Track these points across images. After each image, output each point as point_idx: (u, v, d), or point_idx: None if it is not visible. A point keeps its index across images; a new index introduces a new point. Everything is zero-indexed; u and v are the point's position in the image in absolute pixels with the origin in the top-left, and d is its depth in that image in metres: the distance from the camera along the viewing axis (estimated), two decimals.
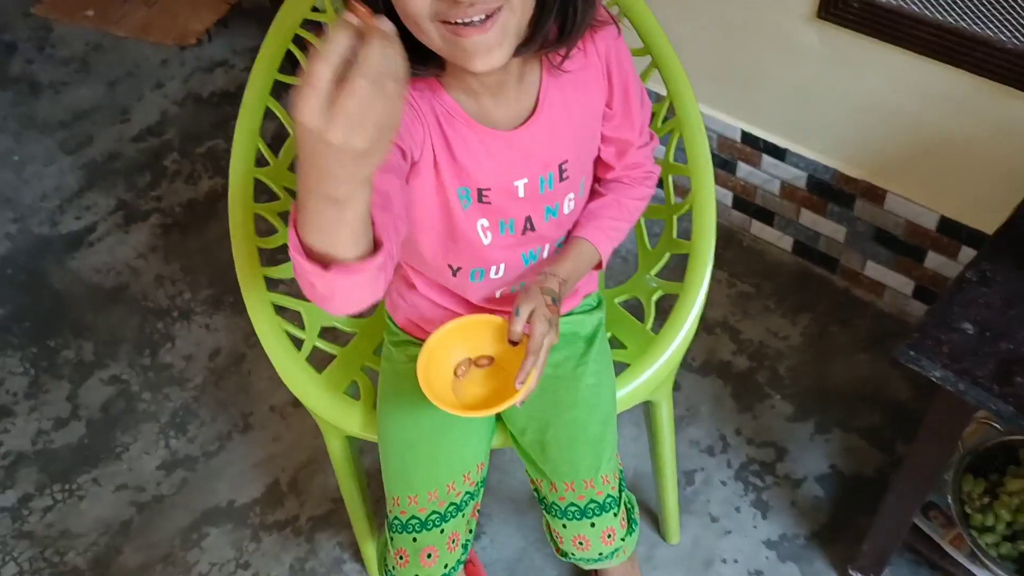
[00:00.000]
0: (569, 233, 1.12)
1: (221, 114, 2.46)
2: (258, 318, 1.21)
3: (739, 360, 1.80)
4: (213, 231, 2.16)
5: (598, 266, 1.13)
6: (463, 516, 1.12)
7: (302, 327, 1.27)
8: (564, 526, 1.11)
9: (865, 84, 1.58)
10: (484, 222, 1.03)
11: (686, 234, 1.26)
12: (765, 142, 1.80)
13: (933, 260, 1.70)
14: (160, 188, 2.28)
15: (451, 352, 1.02)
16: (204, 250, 2.12)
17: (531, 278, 1.06)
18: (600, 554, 1.12)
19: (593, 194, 1.14)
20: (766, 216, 1.93)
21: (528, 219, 1.05)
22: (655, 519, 1.60)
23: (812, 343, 1.81)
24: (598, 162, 1.13)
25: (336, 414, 1.21)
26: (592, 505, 1.10)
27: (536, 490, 1.15)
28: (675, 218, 1.29)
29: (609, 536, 1.10)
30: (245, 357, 1.91)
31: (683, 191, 1.26)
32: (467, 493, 1.12)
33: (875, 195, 1.71)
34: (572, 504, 1.10)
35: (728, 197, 1.97)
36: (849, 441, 1.67)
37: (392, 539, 1.11)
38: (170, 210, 2.22)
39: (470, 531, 1.14)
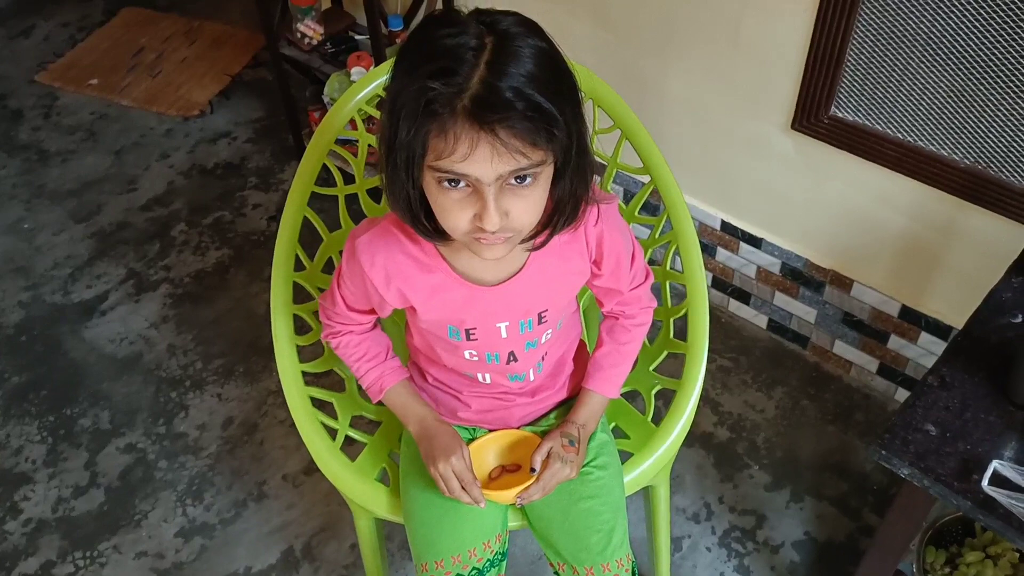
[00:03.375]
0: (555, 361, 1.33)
1: (226, 186, 2.58)
2: (298, 411, 1.33)
3: (720, 431, 1.96)
4: (222, 302, 2.27)
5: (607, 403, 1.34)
6: None
7: (334, 416, 1.40)
8: None
9: (834, 188, 1.76)
10: (472, 352, 1.23)
11: (680, 332, 1.41)
12: (743, 231, 1.97)
13: (895, 342, 1.88)
14: (169, 258, 2.39)
15: (484, 455, 1.25)
16: (215, 321, 2.23)
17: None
18: None
19: (599, 342, 1.33)
20: (743, 296, 2.10)
21: (511, 353, 1.24)
22: None
23: (786, 415, 1.98)
24: (596, 299, 1.33)
25: (367, 499, 1.33)
26: None
27: (556, 573, 1.29)
28: (672, 320, 1.44)
29: None
30: (257, 427, 2.02)
31: (678, 293, 1.42)
32: (488, 561, 1.25)
33: (843, 283, 1.88)
34: None
35: (708, 277, 2.14)
36: (821, 509, 1.83)
37: None
38: (179, 280, 2.33)
39: None
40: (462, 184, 0.95)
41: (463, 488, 1.18)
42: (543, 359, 1.28)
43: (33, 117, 2.84)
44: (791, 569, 1.75)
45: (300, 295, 1.44)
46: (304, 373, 1.39)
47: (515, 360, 1.24)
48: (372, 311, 1.25)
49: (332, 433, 1.37)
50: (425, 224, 1.05)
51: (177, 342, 2.19)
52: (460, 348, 1.22)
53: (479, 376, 1.27)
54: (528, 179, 0.95)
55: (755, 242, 1.97)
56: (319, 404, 1.37)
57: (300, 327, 1.42)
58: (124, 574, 1.79)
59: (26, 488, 1.93)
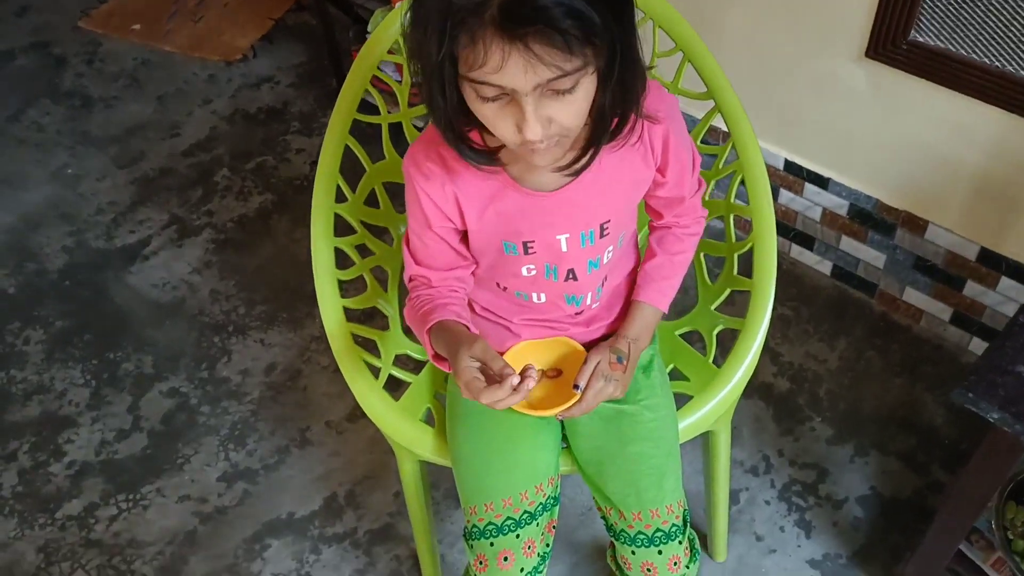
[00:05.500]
0: (610, 284, 1.24)
1: (269, 131, 2.52)
2: (339, 349, 1.27)
3: (780, 382, 1.86)
4: (266, 247, 2.23)
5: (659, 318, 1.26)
6: (538, 525, 1.18)
7: (377, 355, 1.34)
8: (633, 552, 1.17)
9: (910, 121, 1.63)
10: (531, 267, 1.15)
11: (744, 271, 1.32)
12: (808, 171, 1.86)
13: (972, 289, 1.76)
14: (211, 203, 2.35)
15: (526, 361, 1.14)
16: (257, 267, 2.18)
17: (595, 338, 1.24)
18: None
19: (648, 253, 1.25)
20: (806, 241, 1.99)
21: (571, 270, 1.16)
22: (702, 537, 1.66)
23: (850, 366, 1.87)
24: (649, 210, 1.25)
25: (412, 440, 1.28)
26: (659, 534, 1.16)
27: (604, 518, 1.22)
28: (736, 256, 1.35)
29: (675, 564, 1.17)
30: (301, 373, 1.97)
31: (742, 225, 1.33)
32: (540, 504, 1.19)
33: (916, 224, 1.76)
34: (640, 532, 1.16)
35: None
36: (886, 463, 1.73)
37: (472, 547, 1.18)
38: (222, 226, 2.29)
39: (547, 545, 1.20)
40: (500, 94, 0.89)
41: (496, 386, 1.00)
42: (603, 284, 1.21)
43: (76, 64, 2.81)
44: (855, 525, 1.66)
45: (342, 228, 1.38)
46: (346, 310, 1.33)
47: (575, 279, 1.17)
48: (445, 266, 1.17)
49: (375, 372, 1.31)
50: (470, 145, 0.99)
51: (220, 288, 2.15)
52: (517, 263, 1.14)
53: (534, 296, 1.19)
54: (568, 86, 0.89)
55: (821, 182, 1.85)
56: (362, 343, 1.31)
57: (342, 262, 1.36)
58: (167, 517, 1.77)
59: (70, 431, 1.92)
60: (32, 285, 2.20)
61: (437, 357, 1.13)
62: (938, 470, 1.71)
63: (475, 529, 1.17)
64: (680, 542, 1.17)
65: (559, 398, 1.15)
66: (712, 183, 1.38)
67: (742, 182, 1.33)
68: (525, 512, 1.16)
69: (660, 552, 1.16)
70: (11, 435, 1.90)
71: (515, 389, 0.98)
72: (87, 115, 2.63)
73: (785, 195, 1.94)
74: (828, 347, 1.91)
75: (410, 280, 1.20)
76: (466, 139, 1.00)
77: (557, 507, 1.22)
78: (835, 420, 1.80)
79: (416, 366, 1.39)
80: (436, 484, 1.76)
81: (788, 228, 2.00)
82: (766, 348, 1.90)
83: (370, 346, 1.35)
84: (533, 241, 1.12)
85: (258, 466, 1.83)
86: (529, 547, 1.16)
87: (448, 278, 1.18)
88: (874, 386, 1.84)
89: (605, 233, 1.14)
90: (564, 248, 1.13)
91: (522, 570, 1.16)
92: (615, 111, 0.97)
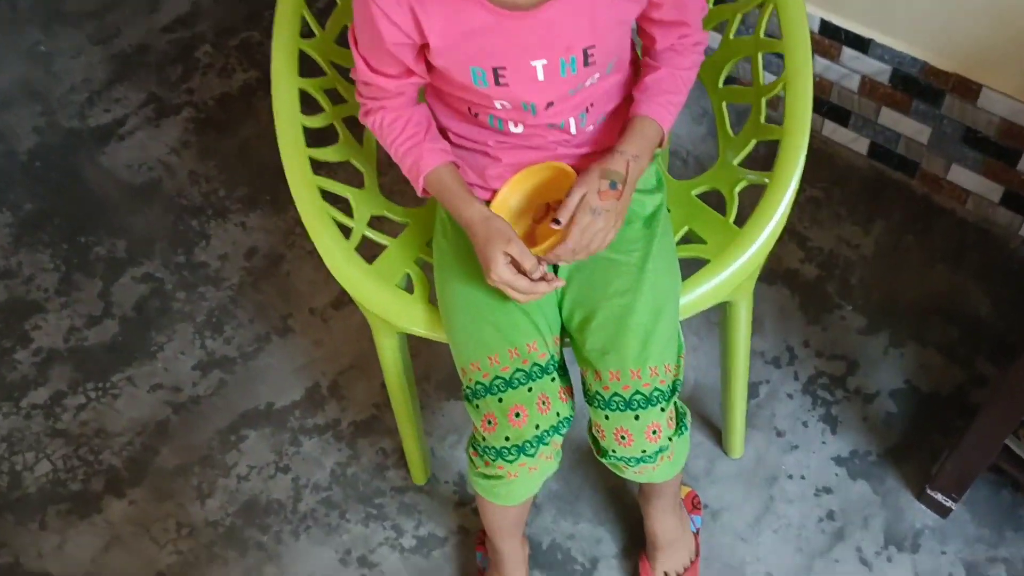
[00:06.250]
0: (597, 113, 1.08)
1: (254, 5, 2.32)
2: (303, 201, 1.11)
3: (807, 269, 1.69)
4: (249, 127, 2.05)
5: (660, 143, 1.07)
6: (552, 380, 1.04)
7: (350, 215, 1.18)
8: (606, 417, 1.02)
9: None
10: (504, 103, 1.00)
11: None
12: (847, 32, 1.65)
13: None
14: (192, 81, 2.16)
15: (522, 195, 1.07)
16: (239, 147, 2.01)
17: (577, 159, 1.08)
18: (643, 452, 1.03)
19: (647, 68, 1.08)
20: (841, 116, 1.79)
21: (549, 103, 1.01)
22: (716, 434, 1.51)
23: (887, 253, 1.69)
24: (645, 36, 1.07)
25: (386, 307, 1.12)
26: (638, 397, 1.01)
27: (583, 383, 1.07)
28: (764, 101, 1.16)
29: (654, 432, 1.02)
30: (284, 258, 1.82)
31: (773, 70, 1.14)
32: (551, 358, 1.04)
33: (967, 90, 1.56)
34: (616, 395, 1.02)
35: None
36: (925, 356, 1.57)
37: (477, 407, 1.04)
38: (203, 104, 2.11)
39: (567, 408, 1.05)
40: None
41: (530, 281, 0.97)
42: (587, 110, 1.04)
43: None
44: (886, 421, 1.50)
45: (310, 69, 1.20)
46: (313, 164, 1.16)
47: (552, 106, 1.01)
48: (401, 74, 1.02)
49: (347, 234, 1.15)
50: None
51: (199, 169, 1.99)
52: (488, 98, 0.99)
53: (511, 125, 1.03)
54: None
55: (861, 45, 1.64)
56: (333, 201, 1.15)
57: (310, 110, 1.19)
58: (138, 407, 1.64)
59: (37, 317, 1.78)
60: (0, 168, 2.04)
61: (426, 192, 1.04)
62: (983, 363, 1.54)
63: (479, 386, 1.03)
64: (663, 409, 1.02)
65: (551, 238, 0.99)
66: (737, 17, 1.19)
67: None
68: (535, 364, 1.02)
69: (637, 418, 1.01)
70: None
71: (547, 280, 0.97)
72: None
73: (820, 63, 1.73)
74: (862, 231, 1.72)
75: (364, 85, 1.05)
76: None
77: (567, 377, 1.07)
78: (868, 309, 1.62)
79: (395, 228, 1.23)
80: (426, 376, 1.62)
81: (821, 102, 1.80)
82: (793, 232, 1.73)
83: (344, 207, 1.19)
84: (504, 68, 0.95)
85: (236, 355, 1.69)
86: (544, 402, 1.01)
87: (405, 86, 1.03)
88: (913, 273, 1.66)
89: (590, 60, 0.97)
90: (541, 76, 0.96)
91: (537, 427, 1.01)
92: None
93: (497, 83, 0.97)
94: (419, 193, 1.06)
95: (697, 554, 1.36)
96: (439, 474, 1.51)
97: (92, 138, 2.08)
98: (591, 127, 1.07)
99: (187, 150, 2.03)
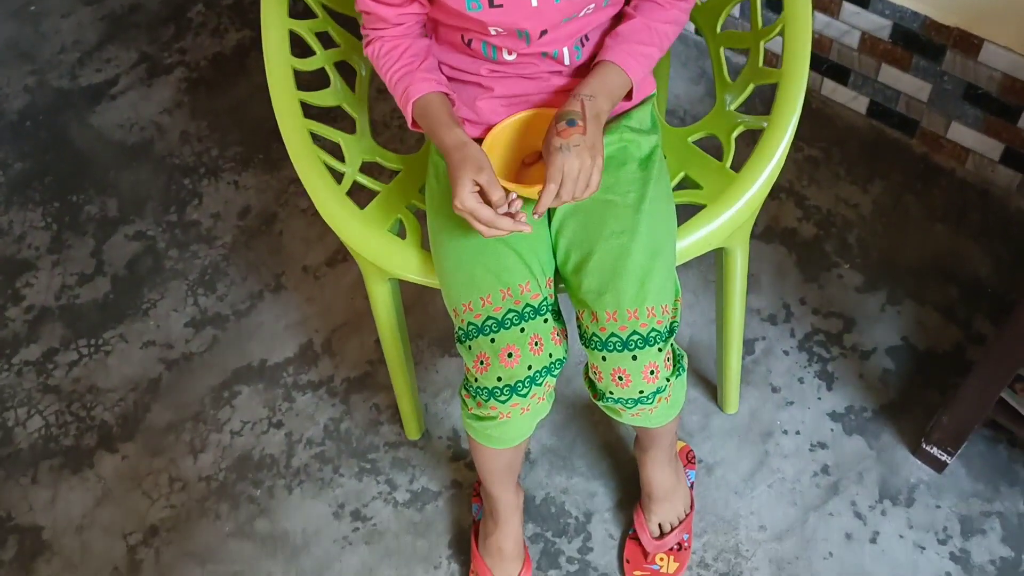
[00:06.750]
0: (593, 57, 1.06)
1: None
2: (293, 143, 1.10)
3: (805, 227, 1.67)
4: (242, 87, 2.03)
5: (628, 95, 1.05)
6: (544, 321, 1.02)
7: (341, 160, 1.16)
8: (604, 358, 1.01)
9: None
10: (498, 28, 0.99)
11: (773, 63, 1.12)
12: None
13: None
14: (185, 41, 2.14)
15: (512, 136, 1.05)
16: (232, 107, 1.99)
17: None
18: (641, 392, 1.02)
19: (622, 16, 1.06)
20: (840, 74, 1.77)
21: (543, 31, 1.00)
22: (711, 390, 1.50)
23: (885, 212, 1.68)
24: None
25: (377, 251, 1.10)
26: (635, 337, 1.00)
27: (579, 325, 1.06)
28: (761, 45, 1.14)
29: (652, 373, 1.01)
30: (276, 216, 1.80)
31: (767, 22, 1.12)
32: (544, 300, 1.03)
33: (969, 45, 1.54)
34: (613, 335, 1.00)
35: None
36: (923, 314, 1.56)
37: (469, 348, 1.03)
38: (195, 64, 2.09)
39: (561, 350, 1.04)
40: None
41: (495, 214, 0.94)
42: (583, 43, 1.03)
43: None
44: (883, 378, 1.49)
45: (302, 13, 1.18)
46: (304, 108, 1.14)
47: (546, 34, 1.00)
48: (402, 2, 1.01)
49: (338, 179, 1.14)
50: None
51: (191, 128, 1.97)
52: (483, 24, 0.97)
53: (504, 53, 1.02)
54: None
55: (862, 0, 1.62)
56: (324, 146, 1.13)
57: (301, 53, 1.17)
58: (130, 363, 1.63)
59: (28, 275, 1.77)
60: None
61: (417, 125, 1.04)
62: (983, 321, 1.53)
63: (471, 327, 1.01)
64: (660, 349, 1.01)
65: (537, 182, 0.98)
66: None
67: None
68: (528, 305, 1.00)
69: (635, 358, 1.00)
70: None
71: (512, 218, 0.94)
72: None
73: (820, 19, 1.71)
74: (861, 191, 1.71)
75: (366, 15, 1.04)
76: None
77: (561, 321, 1.06)
78: (866, 268, 1.61)
79: (388, 175, 1.21)
80: (420, 333, 1.61)
81: (821, 60, 1.77)
82: (790, 190, 1.71)
83: (336, 153, 1.17)
84: None
85: (228, 312, 1.68)
86: (536, 343, 1.01)
87: (405, 16, 1.02)
88: (911, 232, 1.65)
89: None
90: (535, 2, 0.95)
91: (529, 367, 1.00)
92: None
93: (491, 4, 0.95)
94: (409, 124, 1.04)
95: (692, 507, 1.35)
96: (433, 429, 1.50)
97: (83, 98, 2.05)
98: (585, 59, 1.05)
99: (179, 110, 2.00)
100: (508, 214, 0.94)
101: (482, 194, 0.94)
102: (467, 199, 0.93)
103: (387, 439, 1.50)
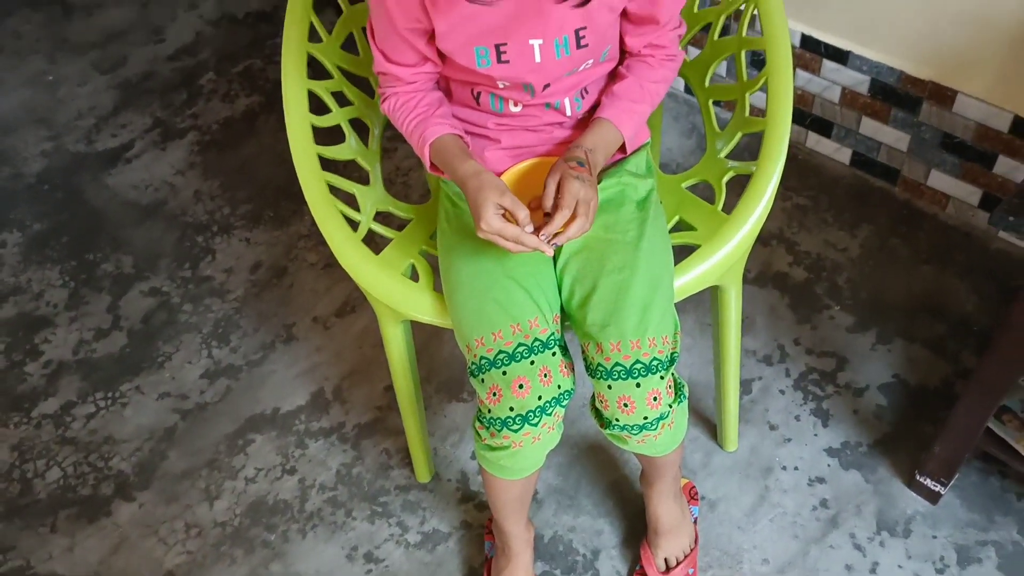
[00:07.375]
0: (593, 107, 1.16)
1: (257, 34, 2.41)
2: (312, 192, 1.16)
3: (796, 271, 1.74)
4: (251, 148, 2.12)
5: (622, 149, 1.16)
6: (553, 355, 1.09)
7: (356, 209, 1.23)
8: (609, 387, 1.07)
9: None
10: (505, 81, 1.08)
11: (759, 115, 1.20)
12: (827, 45, 1.73)
13: (1004, 165, 1.63)
14: (196, 107, 2.23)
15: (514, 185, 1.13)
16: (243, 166, 2.08)
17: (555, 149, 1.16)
18: (645, 418, 1.08)
19: (616, 76, 1.16)
20: (824, 127, 1.86)
21: (546, 84, 1.09)
22: (712, 429, 1.55)
23: (872, 255, 1.75)
24: (621, 42, 1.15)
25: (392, 294, 1.17)
26: (638, 366, 1.06)
27: (585, 358, 1.11)
28: (747, 96, 1.23)
29: (655, 399, 1.07)
30: (287, 270, 1.87)
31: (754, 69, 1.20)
32: (551, 334, 1.09)
33: (943, 97, 1.63)
34: (618, 364, 1.06)
35: None
36: (912, 351, 1.62)
37: (482, 381, 1.08)
38: (207, 128, 2.18)
39: (568, 383, 1.10)
40: None
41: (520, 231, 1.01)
42: (583, 95, 1.12)
43: None
44: (876, 413, 1.55)
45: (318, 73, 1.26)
46: (323, 160, 1.22)
47: (549, 87, 1.09)
48: (416, 62, 1.10)
49: (354, 227, 1.20)
50: None
51: (204, 188, 2.05)
52: (491, 78, 1.06)
53: (511, 105, 1.11)
54: None
55: (841, 57, 1.72)
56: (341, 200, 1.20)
57: (318, 112, 1.25)
58: (145, 414, 1.68)
59: (47, 331, 1.82)
60: (7, 189, 2.10)
61: (435, 167, 1.11)
62: (969, 356, 1.60)
63: (484, 361, 1.07)
64: (662, 377, 1.07)
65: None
66: (720, 19, 1.26)
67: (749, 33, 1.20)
68: (537, 340, 1.07)
69: (639, 385, 1.06)
70: None
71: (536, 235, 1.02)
72: (67, 22, 2.51)
73: (802, 76, 1.81)
74: (849, 235, 1.78)
75: (382, 76, 1.14)
76: None
77: (567, 355, 1.12)
78: (856, 308, 1.68)
79: (398, 224, 1.28)
80: (428, 379, 1.66)
81: (804, 114, 1.87)
82: (781, 236, 1.79)
83: (351, 204, 1.24)
84: (505, 44, 1.03)
85: (241, 362, 1.73)
86: (545, 375, 1.07)
87: (418, 74, 1.11)
88: (899, 273, 1.72)
89: (582, 43, 1.05)
90: (538, 58, 1.05)
91: (540, 398, 1.06)
92: None
93: (499, 60, 1.04)
94: (427, 167, 1.12)
95: (696, 542, 1.39)
96: (442, 472, 1.55)
97: (99, 161, 2.14)
98: (585, 112, 1.13)
99: (192, 170, 2.09)
100: (533, 233, 1.01)
101: (505, 216, 1.01)
102: (493, 220, 0.99)
103: (397, 483, 1.54)
